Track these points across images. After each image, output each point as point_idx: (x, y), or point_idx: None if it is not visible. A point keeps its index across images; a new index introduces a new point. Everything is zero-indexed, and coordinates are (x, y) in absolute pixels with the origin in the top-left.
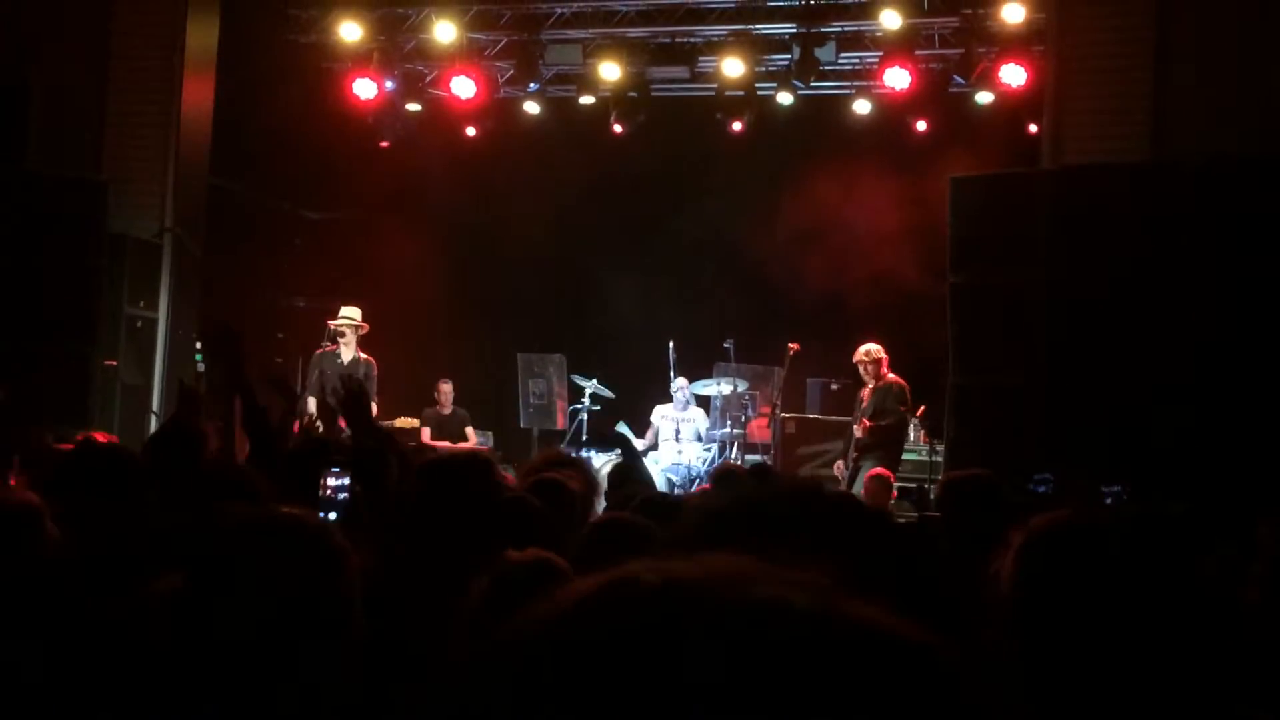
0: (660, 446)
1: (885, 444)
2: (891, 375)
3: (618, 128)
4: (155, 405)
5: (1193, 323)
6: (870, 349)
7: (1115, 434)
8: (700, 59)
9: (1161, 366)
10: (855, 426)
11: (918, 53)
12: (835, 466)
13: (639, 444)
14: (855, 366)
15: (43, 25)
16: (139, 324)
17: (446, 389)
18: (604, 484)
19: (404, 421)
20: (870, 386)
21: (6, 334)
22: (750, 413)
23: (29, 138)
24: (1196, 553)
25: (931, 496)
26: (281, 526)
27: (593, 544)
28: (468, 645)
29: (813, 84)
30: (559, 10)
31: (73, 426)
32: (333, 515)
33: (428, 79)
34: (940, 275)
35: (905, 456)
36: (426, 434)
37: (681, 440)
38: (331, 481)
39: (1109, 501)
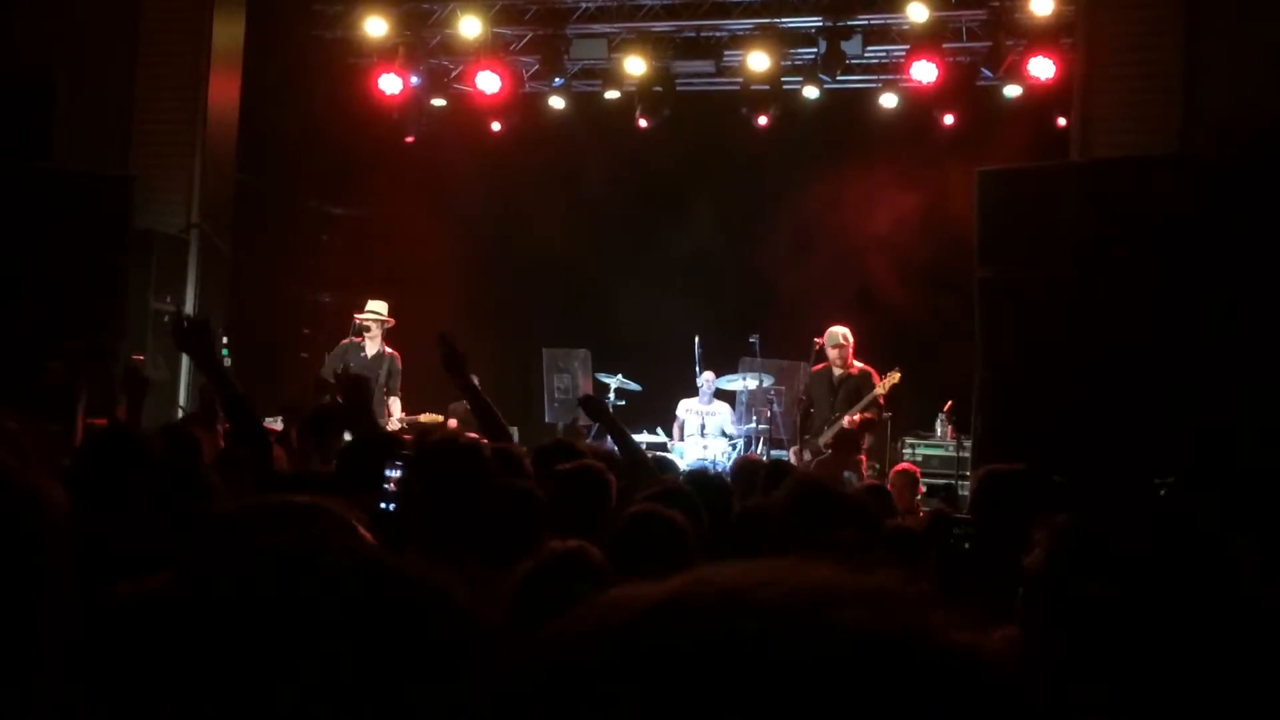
0: (685, 441)
1: (865, 436)
2: (859, 363)
3: (643, 122)
4: (181, 400)
5: (1223, 317)
6: (845, 331)
7: (1144, 429)
8: (726, 53)
9: (1191, 361)
10: (845, 418)
11: (945, 46)
12: (792, 452)
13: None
14: (825, 348)
15: (69, 22)
16: (165, 319)
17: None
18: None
19: (428, 418)
20: (839, 373)
21: (33, 329)
22: (775, 407)
23: (55, 134)
24: (1230, 547)
25: (960, 491)
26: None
27: (625, 537)
28: (507, 636)
29: (839, 78)
30: (584, 5)
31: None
32: (392, 505)
33: (453, 74)
34: (967, 269)
35: (930, 452)
36: (454, 425)
37: (706, 435)
38: (389, 473)
39: (1162, 493)
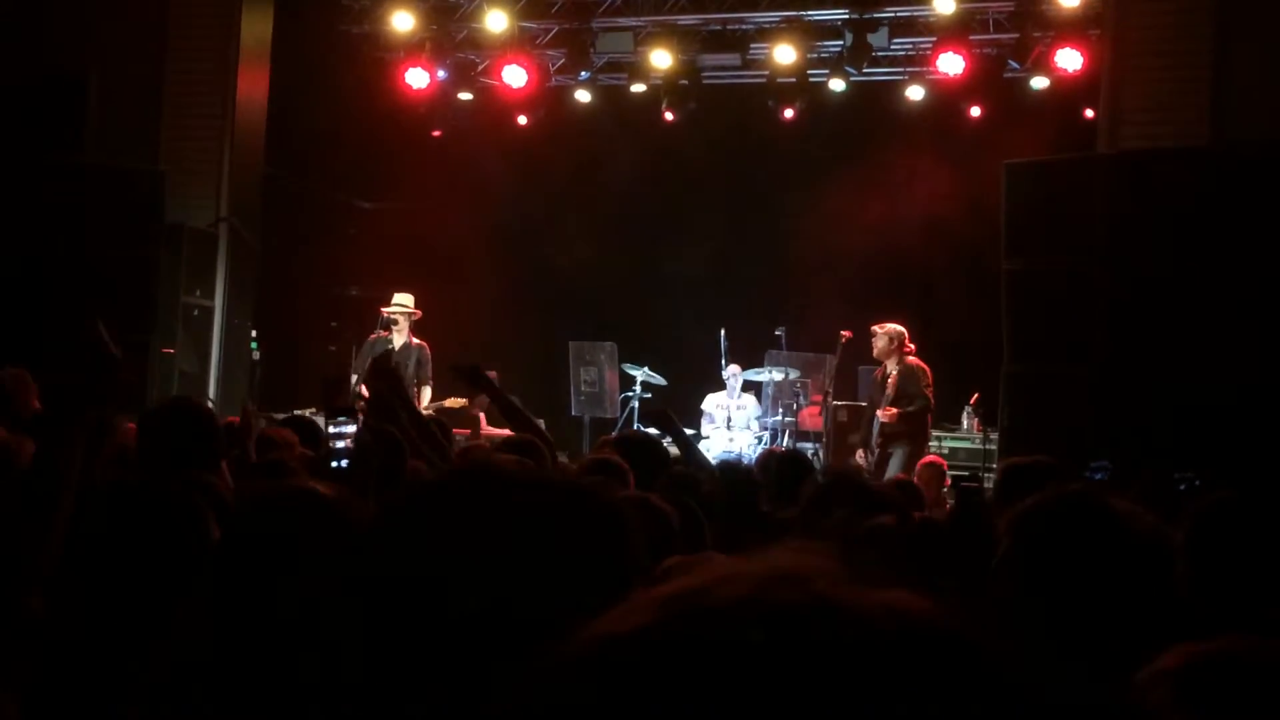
0: (711, 434)
1: (912, 431)
2: (913, 358)
3: (669, 115)
4: (211, 392)
5: (1252, 309)
6: (893, 328)
7: (1172, 422)
8: (752, 46)
9: (1220, 353)
10: (879, 412)
11: (972, 37)
12: (857, 454)
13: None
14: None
15: (101, 18)
16: (195, 312)
17: (493, 376)
18: None
19: (453, 401)
20: (891, 369)
21: (65, 322)
22: (802, 400)
23: (88, 129)
24: None
25: (988, 484)
26: (299, 500)
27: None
28: None
29: (865, 70)
30: None
31: (130, 413)
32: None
33: (479, 68)
34: (994, 261)
35: (957, 444)
36: (484, 419)
37: (733, 428)
38: (333, 430)
39: (1183, 489)
